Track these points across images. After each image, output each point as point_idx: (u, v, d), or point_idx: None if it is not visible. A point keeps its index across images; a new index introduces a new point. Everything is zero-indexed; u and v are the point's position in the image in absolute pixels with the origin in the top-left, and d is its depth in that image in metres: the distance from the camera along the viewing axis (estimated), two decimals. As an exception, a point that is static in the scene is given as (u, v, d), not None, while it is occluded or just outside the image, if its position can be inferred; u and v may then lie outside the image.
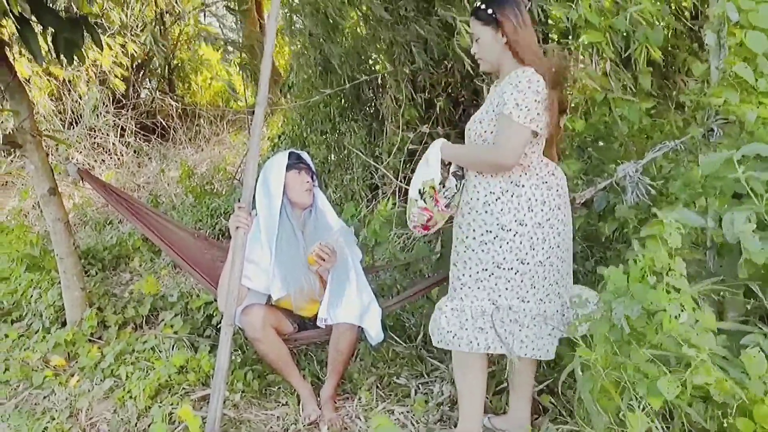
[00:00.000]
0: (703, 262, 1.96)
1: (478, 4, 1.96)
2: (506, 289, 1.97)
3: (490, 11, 1.92)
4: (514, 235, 1.93)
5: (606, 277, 1.58)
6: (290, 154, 2.53)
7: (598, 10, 2.36)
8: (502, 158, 1.88)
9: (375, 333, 2.38)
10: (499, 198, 1.94)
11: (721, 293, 1.68)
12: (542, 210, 1.94)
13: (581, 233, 2.54)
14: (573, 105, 3.11)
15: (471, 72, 3.05)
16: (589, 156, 2.72)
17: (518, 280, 1.96)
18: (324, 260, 2.33)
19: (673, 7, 2.90)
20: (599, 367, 1.48)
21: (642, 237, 1.55)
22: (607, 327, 1.50)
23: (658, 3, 2.63)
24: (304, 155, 2.57)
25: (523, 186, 1.94)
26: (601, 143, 2.67)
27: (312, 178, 2.55)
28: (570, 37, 3.05)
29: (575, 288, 2.12)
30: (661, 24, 2.61)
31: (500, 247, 1.95)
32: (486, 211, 1.97)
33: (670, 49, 3.05)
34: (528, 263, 1.95)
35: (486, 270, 1.98)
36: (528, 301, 1.98)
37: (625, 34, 2.41)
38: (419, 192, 2.04)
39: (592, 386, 1.53)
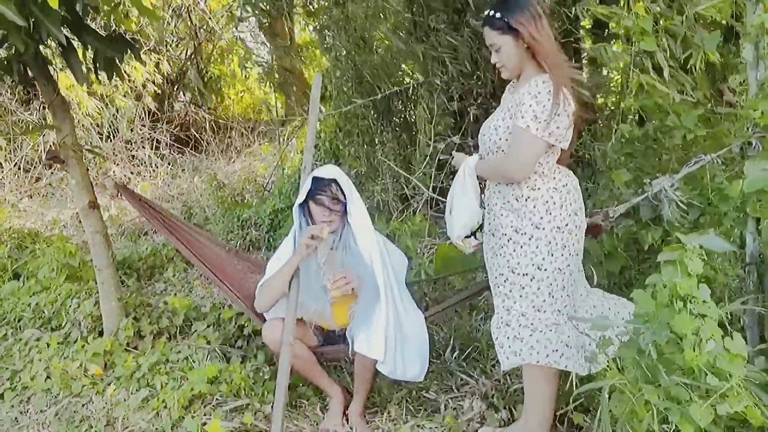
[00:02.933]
0: (743, 278, 1.91)
1: (491, 12, 1.89)
2: (520, 296, 1.93)
3: (505, 19, 1.85)
4: (530, 239, 1.90)
5: (635, 300, 1.54)
6: (314, 180, 2.38)
7: (653, 15, 2.26)
8: (514, 171, 1.86)
9: (411, 375, 2.35)
10: (513, 204, 1.93)
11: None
12: (561, 214, 1.90)
13: (622, 245, 2.48)
14: (623, 112, 3.03)
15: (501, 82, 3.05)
16: (632, 166, 2.66)
17: (534, 287, 1.91)
18: (340, 288, 2.32)
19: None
20: (628, 392, 1.44)
21: (663, 261, 1.51)
22: (635, 352, 1.46)
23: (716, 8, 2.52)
24: (338, 178, 2.38)
25: (539, 189, 1.91)
26: (644, 153, 2.60)
27: (342, 201, 2.39)
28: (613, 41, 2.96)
29: (611, 299, 2.07)
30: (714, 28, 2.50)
31: (514, 251, 1.92)
32: (502, 215, 1.96)
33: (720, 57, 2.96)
34: (545, 269, 1.90)
35: (502, 275, 1.96)
36: (544, 311, 1.93)
37: (683, 38, 2.31)
38: (472, 233, 2.08)
39: (623, 410, 1.50)
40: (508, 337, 2.00)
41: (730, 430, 1.43)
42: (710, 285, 2.12)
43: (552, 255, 1.90)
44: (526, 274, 1.91)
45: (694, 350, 1.35)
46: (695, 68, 2.22)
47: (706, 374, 1.33)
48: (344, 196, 2.39)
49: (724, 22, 2.67)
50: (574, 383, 2.33)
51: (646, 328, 1.44)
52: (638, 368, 1.47)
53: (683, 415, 1.35)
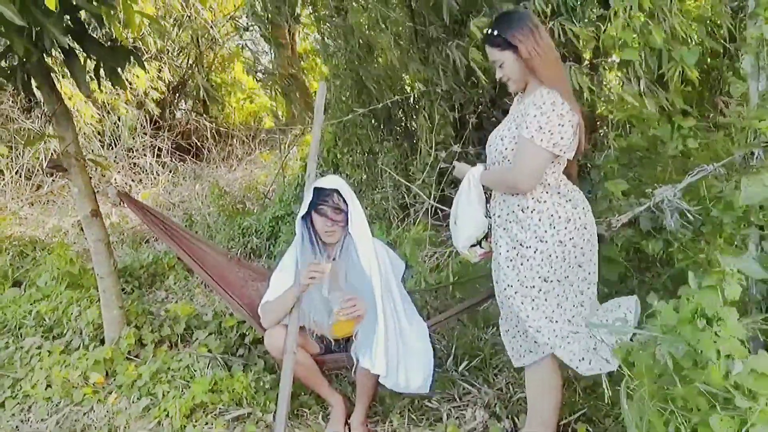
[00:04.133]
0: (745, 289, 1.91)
1: (490, 30, 1.93)
2: (532, 309, 1.94)
3: (504, 36, 1.88)
4: (534, 252, 1.91)
5: (656, 311, 1.53)
6: (317, 191, 2.38)
7: (632, 29, 2.35)
8: (520, 182, 1.88)
9: (414, 386, 2.31)
10: (518, 215, 1.94)
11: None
12: (566, 228, 1.91)
13: (624, 254, 2.49)
14: (614, 123, 3.08)
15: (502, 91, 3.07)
16: (632, 176, 2.67)
17: (542, 299, 1.93)
18: (348, 314, 2.36)
19: (709, 28, 2.87)
20: (646, 397, 1.44)
21: (699, 280, 1.49)
22: (650, 360, 1.45)
23: (693, 24, 2.60)
24: (340, 189, 2.39)
25: (545, 202, 1.92)
26: (641, 164, 2.62)
27: (344, 211, 2.39)
28: (600, 57, 3.02)
29: (611, 303, 2.07)
30: (696, 44, 2.57)
31: (522, 264, 1.93)
32: (506, 228, 1.97)
33: (707, 69, 3.02)
34: (551, 281, 1.92)
35: (511, 287, 1.97)
36: (556, 321, 1.95)
37: (659, 52, 2.39)
38: (477, 241, 2.10)
39: (639, 417, 1.49)
40: (523, 346, 2.03)
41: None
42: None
43: (552, 267, 1.92)
44: (534, 287, 1.93)
45: (720, 371, 1.33)
46: (683, 81, 2.27)
47: (731, 393, 1.31)
48: (346, 205, 2.39)
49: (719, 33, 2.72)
50: (577, 393, 2.35)
51: (663, 339, 1.43)
52: (651, 376, 1.46)
53: (701, 424, 1.33)
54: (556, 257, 1.91)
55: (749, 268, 1.47)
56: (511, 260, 1.96)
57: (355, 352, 2.31)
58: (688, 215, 1.99)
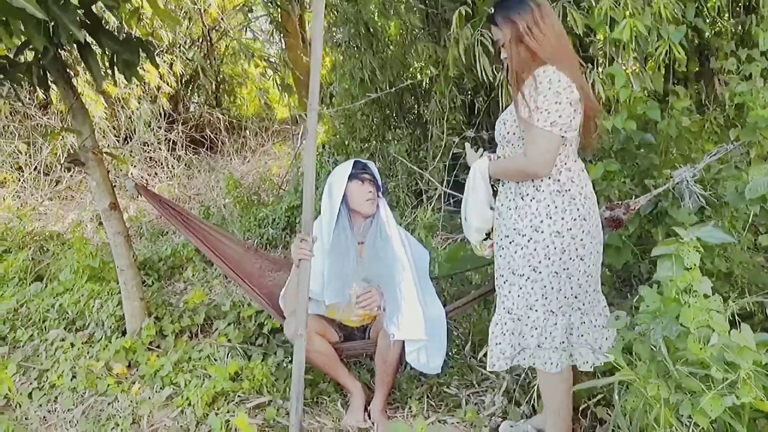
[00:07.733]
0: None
1: (492, 9, 1.90)
2: (518, 296, 1.93)
3: (501, 15, 1.85)
4: (528, 241, 1.88)
5: (643, 296, 1.52)
6: (355, 163, 2.51)
7: (620, 10, 2.37)
8: (531, 166, 1.82)
9: (433, 366, 2.36)
10: (518, 203, 1.91)
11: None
12: (563, 219, 1.86)
13: (634, 238, 2.47)
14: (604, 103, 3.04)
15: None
16: (634, 160, 2.64)
17: (528, 287, 1.91)
18: (363, 305, 2.40)
19: (711, 6, 2.83)
20: (640, 386, 1.44)
21: (659, 255, 1.48)
22: (649, 347, 1.45)
23: (684, 3, 2.56)
24: (371, 165, 2.54)
25: (543, 191, 1.87)
26: (641, 148, 2.60)
27: (378, 189, 2.53)
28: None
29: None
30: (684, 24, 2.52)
31: (515, 252, 1.91)
32: (506, 216, 1.95)
33: (706, 47, 2.99)
34: (540, 272, 1.88)
35: (502, 276, 1.96)
36: (536, 310, 1.92)
37: (648, 32, 2.38)
38: (486, 234, 2.09)
39: (637, 404, 1.49)
40: (499, 343, 2.00)
41: (752, 423, 1.42)
42: (731, 279, 2.11)
43: (549, 258, 1.87)
44: (523, 275, 1.90)
45: (699, 343, 1.33)
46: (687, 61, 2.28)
47: (712, 366, 1.32)
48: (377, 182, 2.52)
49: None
50: (596, 376, 2.34)
51: (656, 324, 1.43)
52: (653, 363, 1.46)
53: (695, 407, 1.34)
54: (554, 249, 1.86)
55: (710, 235, 1.45)
56: (503, 249, 1.94)
57: (388, 329, 2.33)
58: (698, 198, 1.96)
